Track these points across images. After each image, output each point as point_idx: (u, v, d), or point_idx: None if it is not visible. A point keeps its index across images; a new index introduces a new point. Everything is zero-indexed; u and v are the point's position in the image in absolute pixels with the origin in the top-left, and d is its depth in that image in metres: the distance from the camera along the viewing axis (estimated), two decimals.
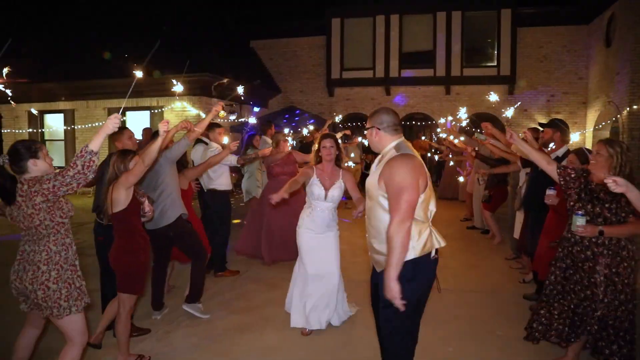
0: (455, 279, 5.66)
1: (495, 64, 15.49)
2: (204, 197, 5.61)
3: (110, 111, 14.61)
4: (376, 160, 2.80)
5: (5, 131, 15.14)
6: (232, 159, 5.38)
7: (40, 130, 15.24)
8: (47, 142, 15.72)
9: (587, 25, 14.88)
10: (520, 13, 15.15)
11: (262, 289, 5.28)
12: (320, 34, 16.86)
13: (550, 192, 3.85)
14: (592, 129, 14.53)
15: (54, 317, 2.77)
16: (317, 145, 4.18)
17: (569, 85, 15.34)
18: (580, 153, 4.01)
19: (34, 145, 2.82)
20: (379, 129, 2.72)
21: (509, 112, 5.57)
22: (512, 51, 15.23)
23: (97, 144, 2.66)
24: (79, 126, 14.60)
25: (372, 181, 2.69)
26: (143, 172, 3.34)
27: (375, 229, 2.68)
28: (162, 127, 3.35)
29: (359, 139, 10.71)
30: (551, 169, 3.39)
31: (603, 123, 13.72)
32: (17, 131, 14.61)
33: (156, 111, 13.84)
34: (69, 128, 14.62)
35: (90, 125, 14.33)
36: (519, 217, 5.80)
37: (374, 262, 2.77)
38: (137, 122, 14.44)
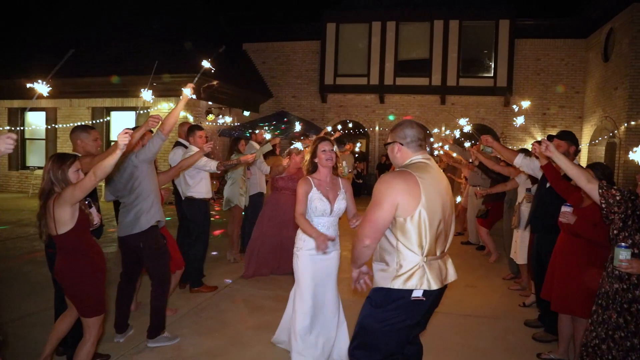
0: (451, 300, 5.23)
1: (491, 75, 15.22)
2: (181, 206, 5.16)
3: (95, 110, 14.12)
4: None
5: None
6: (212, 165, 4.91)
7: (20, 129, 14.67)
8: (27, 141, 15.20)
9: (585, 39, 14.68)
10: (519, 24, 14.92)
11: (241, 309, 4.81)
12: (314, 38, 16.51)
13: (566, 209, 3.44)
14: (587, 144, 14.27)
15: None
16: (311, 151, 3.53)
17: (565, 99, 15.10)
18: (598, 168, 3.58)
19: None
20: (402, 144, 2.52)
21: (520, 120, 5.19)
22: (510, 63, 14.98)
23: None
24: (62, 125, 14.08)
25: None
26: (93, 187, 2.84)
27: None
28: (123, 140, 2.78)
29: (358, 145, 10.22)
30: (591, 188, 2.86)
31: (599, 139, 13.46)
32: None
33: (142, 112, 13.35)
34: (50, 127, 14.09)
35: (73, 124, 13.78)
36: (515, 235, 5.43)
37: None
38: (122, 122, 13.97)
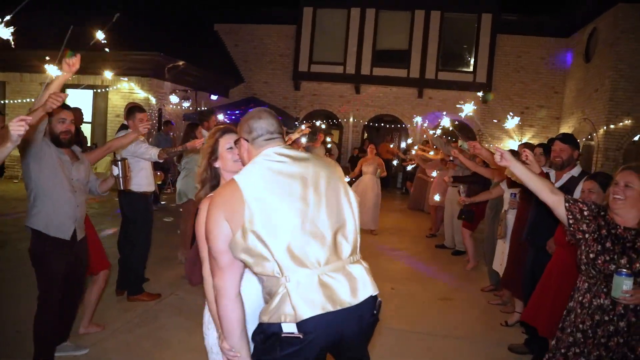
0: (424, 317, 4.69)
1: (471, 70, 14.81)
2: (120, 201, 4.39)
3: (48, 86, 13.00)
4: None
5: None
6: (153, 153, 4.12)
7: None
8: None
9: (567, 38, 14.37)
10: (502, 19, 14.50)
11: (185, 325, 4.07)
12: (290, 22, 15.74)
13: (625, 284, 2.81)
14: None
15: None
16: (207, 151, 2.50)
17: (545, 99, 14.82)
18: (600, 177, 3.05)
19: None
20: (247, 141, 1.92)
21: (468, 108, 4.60)
22: (490, 58, 14.60)
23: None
24: (11, 101, 12.94)
25: None
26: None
27: None
28: (16, 130, 2.09)
29: (327, 138, 9.64)
30: (556, 201, 2.42)
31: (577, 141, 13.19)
32: None
33: (100, 91, 12.36)
34: None
35: (23, 100, 12.69)
36: (501, 246, 4.91)
37: None
38: (79, 101, 12.91)
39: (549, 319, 3.11)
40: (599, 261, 2.30)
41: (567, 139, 3.67)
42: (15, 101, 12.76)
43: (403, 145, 16.07)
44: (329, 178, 1.86)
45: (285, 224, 1.72)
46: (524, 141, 13.63)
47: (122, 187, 3.42)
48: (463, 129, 14.30)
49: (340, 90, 15.80)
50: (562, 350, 2.46)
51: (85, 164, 3.30)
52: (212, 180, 2.17)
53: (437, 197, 7.79)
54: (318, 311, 1.67)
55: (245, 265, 1.78)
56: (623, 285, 2.15)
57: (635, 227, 2.29)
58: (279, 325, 1.67)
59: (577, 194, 3.32)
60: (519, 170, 2.46)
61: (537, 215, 3.56)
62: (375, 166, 8.51)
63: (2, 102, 12.91)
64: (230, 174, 2.04)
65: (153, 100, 11.98)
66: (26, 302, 3.35)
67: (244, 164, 1.96)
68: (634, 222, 2.30)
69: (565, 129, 14.18)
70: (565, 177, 3.62)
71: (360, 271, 1.81)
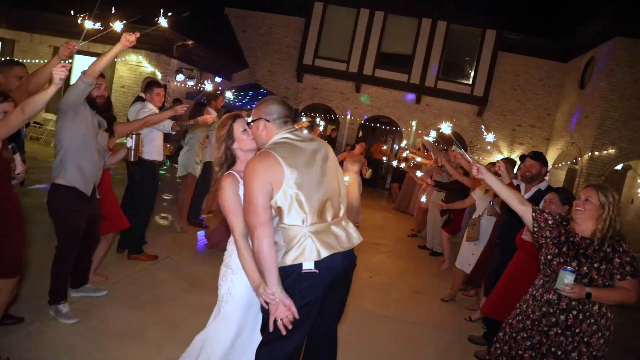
0: (399, 305, 5.11)
1: (470, 82, 15.23)
2: (129, 166, 4.74)
3: (57, 50, 13.16)
4: None
5: None
6: (167, 125, 4.51)
7: None
8: None
9: (565, 63, 14.84)
10: (505, 37, 14.93)
11: (180, 285, 4.46)
12: (299, 15, 16.02)
13: (567, 278, 3.22)
14: (550, 166, 14.52)
15: None
16: (223, 136, 2.73)
17: (537, 119, 15.31)
18: (562, 192, 3.53)
19: None
20: (268, 121, 2.37)
21: (490, 137, 4.98)
22: (489, 73, 15.02)
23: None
24: (18, 60, 13.09)
25: None
26: (21, 125, 2.48)
27: None
28: (58, 74, 2.50)
29: (321, 127, 9.84)
30: (524, 210, 2.83)
31: (562, 163, 13.71)
32: None
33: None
34: (5, 59, 13.06)
35: (31, 61, 12.86)
36: (469, 247, 5.32)
37: None
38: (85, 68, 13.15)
39: (506, 309, 3.53)
40: (554, 262, 2.70)
41: (537, 156, 4.10)
42: (24, 61, 12.92)
43: (396, 147, 16.47)
44: (329, 155, 2.42)
45: (312, 187, 2.24)
46: (506, 156, 14.10)
47: (132, 159, 3.77)
48: (456, 139, 14.71)
49: (341, 87, 16.16)
50: (513, 335, 2.87)
51: (105, 135, 3.67)
52: (229, 160, 2.54)
53: (423, 198, 8.20)
54: (332, 251, 2.21)
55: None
56: (565, 278, 2.54)
57: (589, 237, 2.69)
58: (299, 265, 2.16)
59: (542, 204, 3.74)
60: (492, 182, 2.86)
61: (505, 222, 4.00)
62: (360, 165, 8.80)
63: (9, 59, 13.05)
64: (247, 152, 2.53)
65: (159, 76, 12.24)
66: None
67: (260, 141, 2.40)
68: (589, 232, 2.68)
69: (554, 150, 14.69)
70: (534, 189, 4.06)
71: (350, 225, 2.44)
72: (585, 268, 2.61)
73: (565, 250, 2.70)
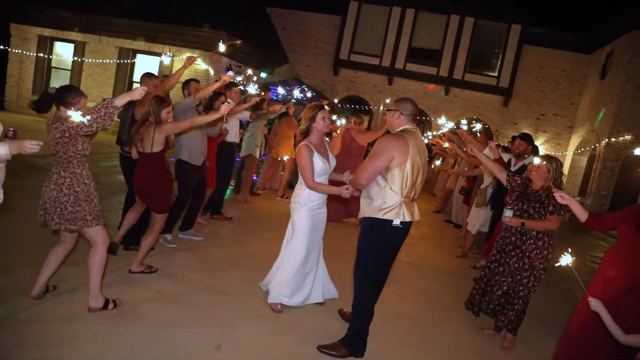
0: (421, 258, 6.44)
1: (496, 74, 16.17)
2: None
3: (122, 51, 14.92)
4: None
5: (14, 51, 15.29)
6: (245, 114, 6.05)
7: (48, 57, 15.48)
8: (53, 70, 15.99)
9: (588, 55, 15.61)
10: (529, 31, 15.80)
11: (248, 236, 5.98)
12: (336, 13, 17.28)
13: (507, 213, 4.02)
14: (572, 152, 15.39)
15: (68, 229, 3.26)
16: (309, 117, 3.86)
17: (560, 108, 16.14)
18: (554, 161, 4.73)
19: (71, 98, 3.19)
20: (402, 114, 3.34)
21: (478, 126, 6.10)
22: (514, 66, 15.93)
23: (122, 102, 3.19)
24: (89, 60, 14.90)
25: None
26: (187, 130, 4.30)
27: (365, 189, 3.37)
28: (223, 111, 3.94)
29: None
30: (502, 176, 4.13)
31: (582, 149, 14.58)
32: (25, 52, 14.84)
33: (170, 56, 14.17)
34: (78, 60, 14.90)
35: (99, 60, 14.65)
36: (477, 212, 6.50)
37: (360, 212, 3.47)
38: (146, 66, 14.81)
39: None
40: (512, 204, 3.99)
41: (524, 137, 5.37)
42: (93, 60, 14.72)
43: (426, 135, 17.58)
44: (425, 152, 3.41)
45: (416, 172, 3.25)
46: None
47: (224, 121, 5.28)
48: (483, 128, 15.73)
49: (374, 80, 17.37)
50: (489, 265, 4.17)
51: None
52: (307, 134, 3.84)
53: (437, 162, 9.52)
54: (410, 218, 3.27)
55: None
56: (506, 213, 3.90)
57: (538, 190, 3.95)
58: (391, 221, 3.21)
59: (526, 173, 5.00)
60: (481, 158, 4.18)
61: (496, 188, 5.29)
62: None
63: (82, 59, 14.87)
64: (319, 132, 3.85)
65: (212, 72, 13.80)
66: None
67: (391, 126, 3.43)
68: (539, 187, 3.96)
69: (576, 137, 15.53)
70: (520, 163, 5.34)
71: (416, 207, 3.42)
72: (525, 206, 3.91)
73: (519, 196, 3.99)
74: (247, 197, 7.73)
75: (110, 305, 3.47)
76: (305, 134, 3.85)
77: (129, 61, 14.85)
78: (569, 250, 2.69)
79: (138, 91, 3.27)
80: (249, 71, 5.68)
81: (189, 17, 13.83)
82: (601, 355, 3.20)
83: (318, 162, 3.79)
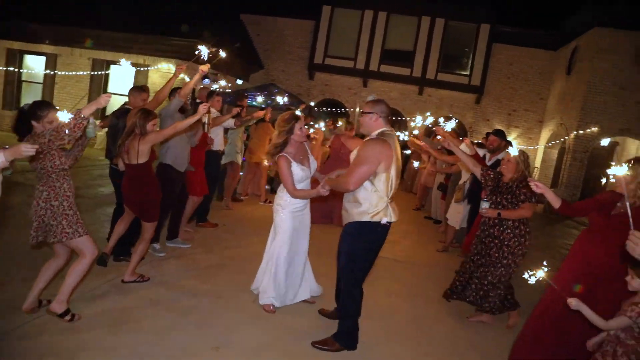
0: (405, 253, 6.64)
1: (467, 73, 16.60)
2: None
3: (95, 62, 14.78)
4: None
5: None
6: (230, 122, 6.14)
7: (18, 70, 15.23)
8: (24, 83, 15.74)
9: (555, 52, 16.17)
10: (498, 30, 16.27)
11: (236, 240, 6.08)
12: (309, 18, 17.47)
13: (484, 204, 4.27)
14: (543, 146, 15.89)
15: (66, 240, 3.32)
16: (286, 130, 3.92)
17: (530, 103, 16.65)
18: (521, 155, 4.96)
19: (39, 111, 3.23)
20: (380, 116, 3.45)
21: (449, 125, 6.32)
22: (485, 64, 16.38)
23: (88, 112, 3.21)
24: (61, 72, 14.70)
25: (353, 155, 3.50)
26: (172, 136, 4.30)
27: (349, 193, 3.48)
28: (202, 110, 4.06)
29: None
30: (476, 170, 4.35)
31: (553, 142, 15.08)
32: None
33: (141, 69, 14.16)
34: (50, 72, 14.70)
35: (73, 73, 14.48)
36: (456, 207, 6.73)
37: (342, 216, 3.62)
38: (121, 77, 14.74)
39: None
40: (487, 197, 4.21)
41: (497, 133, 5.63)
42: (65, 73, 14.53)
43: (401, 137, 17.89)
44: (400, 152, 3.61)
45: (398, 174, 3.43)
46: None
47: (206, 130, 5.37)
48: (459, 127, 16.13)
49: (349, 82, 17.61)
50: (472, 257, 4.37)
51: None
52: (284, 145, 3.89)
53: (415, 164, 9.76)
54: (395, 218, 3.43)
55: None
56: (482, 205, 4.14)
57: (508, 181, 4.16)
58: (378, 222, 3.35)
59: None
60: (458, 153, 4.38)
61: (472, 183, 5.52)
62: None
63: (54, 72, 14.67)
64: (297, 142, 3.93)
65: (187, 80, 13.79)
66: None
67: (368, 129, 3.51)
68: (509, 179, 4.17)
69: (546, 131, 16.04)
70: (494, 158, 5.58)
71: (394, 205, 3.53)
72: (499, 199, 4.15)
73: (493, 189, 4.22)
74: (230, 204, 7.82)
75: (68, 317, 3.43)
76: (283, 146, 3.91)
77: (102, 72, 14.72)
78: (545, 263, 2.86)
79: (103, 99, 3.31)
80: (223, 82, 5.73)
81: (162, 26, 13.81)
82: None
83: (297, 171, 3.91)
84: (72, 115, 3.14)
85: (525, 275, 2.83)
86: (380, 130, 3.44)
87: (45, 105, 3.31)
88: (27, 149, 2.58)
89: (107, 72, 14.81)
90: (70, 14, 14.15)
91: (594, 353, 2.80)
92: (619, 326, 2.66)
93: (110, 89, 14.95)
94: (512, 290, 4.37)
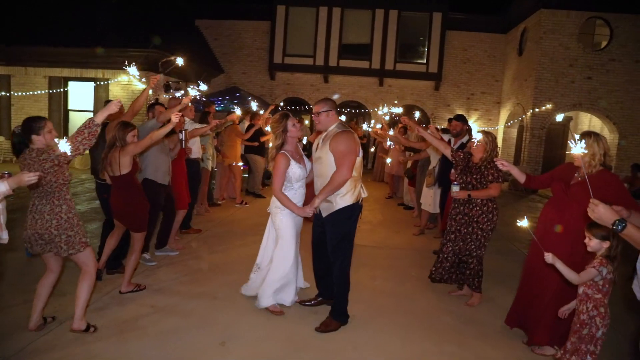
0: (383, 240, 6.93)
1: (424, 61, 17.07)
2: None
3: (52, 80, 14.47)
4: (320, 137, 3.91)
5: None
6: (207, 129, 6.36)
7: None
8: None
9: (505, 35, 16.83)
10: (450, 17, 16.80)
11: (223, 244, 6.23)
12: (265, 19, 17.58)
13: (455, 188, 4.53)
14: (503, 126, 16.54)
15: (72, 254, 3.40)
16: (281, 128, 3.95)
17: (487, 86, 17.29)
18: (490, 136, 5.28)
19: (35, 124, 3.28)
20: (334, 112, 3.91)
21: (416, 115, 6.74)
22: (440, 51, 16.89)
23: (101, 118, 3.37)
24: (16, 93, 14.35)
25: (324, 150, 3.76)
26: (149, 147, 4.39)
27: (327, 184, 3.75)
28: (175, 120, 4.19)
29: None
30: (447, 152, 4.65)
31: (511, 122, 15.73)
32: None
33: (101, 83, 13.99)
34: (4, 94, 14.32)
35: (29, 93, 14.17)
36: (428, 191, 7.08)
37: (323, 209, 3.85)
38: (81, 93, 14.50)
39: None
40: (458, 178, 4.52)
41: (459, 118, 5.98)
42: (21, 93, 14.22)
43: (365, 127, 18.24)
44: None
45: (361, 154, 3.85)
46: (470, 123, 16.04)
47: (183, 146, 5.50)
48: (417, 110, 16.60)
49: (310, 79, 17.83)
50: (449, 236, 4.65)
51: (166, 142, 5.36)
52: (282, 145, 3.93)
53: (388, 160, 10.10)
54: (367, 194, 3.90)
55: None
56: (454, 188, 4.45)
57: (477, 162, 4.47)
58: (358, 202, 3.81)
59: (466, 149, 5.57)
60: (428, 138, 4.67)
61: (441, 168, 5.86)
62: None
63: (7, 94, 14.32)
64: (293, 139, 4.01)
65: (150, 91, 13.68)
66: None
67: (327, 125, 3.85)
68: (478, 159, 4.49)
69: (504, 112, 16.70)
70: (459, 142, 5.92)
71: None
72: (468, 179, 4.44)
73: (463, 169, 4.52)
74: (207, 207, 7.96)
75: (91, 329, 3.56)
76: (282, 145, 3.97)
77: (61, 90, 14.44)
78: (525, 217, 3.14)
79: (115, 104, 3.41)
80: (193, 91, 5.69)
81: (116, 38, 13.65)
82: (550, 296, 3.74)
83: (296, 170, 3.93)
84: (85, 124, 3.28)
85: (518, 223, 3.11)
86: (337, 123, 3.85)
87: (36, 117, 3.38)
88: (30, 177, 2.68)
89: (65, 89, 14.54)
90: (21, 33, 13.81)
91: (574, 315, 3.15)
92: (589, 278, 3.00)
93: (70, 105, 14.71)
94: (482, 273, 4.58)
